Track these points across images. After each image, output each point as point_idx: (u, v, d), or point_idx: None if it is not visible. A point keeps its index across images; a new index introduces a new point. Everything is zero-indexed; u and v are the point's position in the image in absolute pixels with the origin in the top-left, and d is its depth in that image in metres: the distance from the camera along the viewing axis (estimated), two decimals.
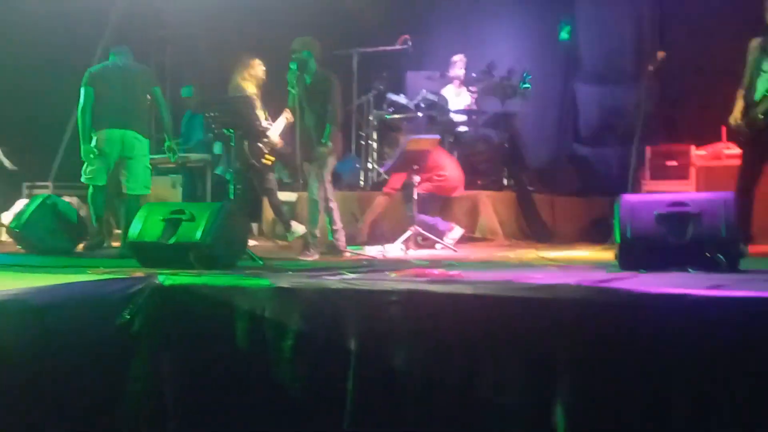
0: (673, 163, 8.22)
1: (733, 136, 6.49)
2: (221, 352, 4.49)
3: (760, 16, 6.39)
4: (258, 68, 7.97)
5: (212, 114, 6.97)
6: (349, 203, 8.71)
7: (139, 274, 4.83)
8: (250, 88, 7.86)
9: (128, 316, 4.60)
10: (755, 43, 6.31)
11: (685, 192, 7.37)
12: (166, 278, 4.68)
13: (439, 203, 8.38)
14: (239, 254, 5.84)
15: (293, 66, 6.86)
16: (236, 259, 5.76)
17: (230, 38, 11.81)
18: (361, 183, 9.60)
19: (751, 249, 6.22)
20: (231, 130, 6.85)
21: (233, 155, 7.28)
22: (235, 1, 11.47)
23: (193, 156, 9.54)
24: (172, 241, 5.55)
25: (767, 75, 6.20)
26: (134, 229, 5.76)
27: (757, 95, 6.22)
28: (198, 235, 5.48)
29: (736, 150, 7.04)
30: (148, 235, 5.67)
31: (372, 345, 4.17)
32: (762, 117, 6.19)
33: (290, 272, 5.25)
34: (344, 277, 4.78)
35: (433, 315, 4.07)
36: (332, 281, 4.54)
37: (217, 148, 9.35)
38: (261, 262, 5.91)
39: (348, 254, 6.92)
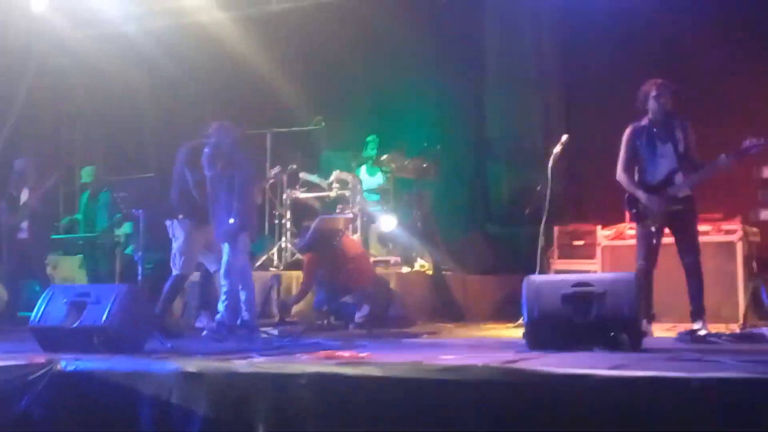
0: (580, 242, 8.43)
1: (638, 217, 6.69)
2: None
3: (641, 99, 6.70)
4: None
5: (121, 194, 6.89)
6: (263, 281, 8.63)
7: (39, 359, 4.66)
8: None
9: (27, 405, 4.45)
10: (635, 129, 6.58)
11: (589, 272, 7.56)
12: (68, 363, 4.56)
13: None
14: (146, 337, 5.71)
15: (208, 150, 6.86)
16: (143, 342, 5.62)
17: (143, 116, 11.83)
18: (275, 261, 9.54)
19: (654, 327, 6.41)
20: (140, 210, 6.76)
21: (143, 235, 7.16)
22: (148, 78, 11.49)
23: (100, 236, 9.40)
24: (75, 324, 5.40)
25: (663, 159, 6.48)
26: (36, 312, 5.59)
27: (657, 178, 6.46)
28: (103, 317, 5.35)
29: None
30: (51, 318, 5.51)
31: (280, 429, 4.11)
32: (671, 197, 6.40)
33: (199, 356, 5.15)
34: (253, 360, 4.71)
35: (343, 398, 4.05)
36: (241, 365, 4.48)
37: (127, 227, 9.21)
38: (168, 345, 5.78)
39: (261, 334, 6.83)
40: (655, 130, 6.48)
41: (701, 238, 6.59)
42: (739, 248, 7.27)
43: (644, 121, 6.55)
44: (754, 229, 7.46)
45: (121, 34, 10.98)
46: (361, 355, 4.97)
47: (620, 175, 6.59)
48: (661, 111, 6.42)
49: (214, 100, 10.62)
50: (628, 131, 6.61)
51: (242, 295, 6.89)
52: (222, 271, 6.86)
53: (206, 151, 6.87)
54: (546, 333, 5.10)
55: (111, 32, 11.01)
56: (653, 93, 6.41)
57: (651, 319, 6.35)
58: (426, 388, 3.91)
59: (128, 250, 9.22)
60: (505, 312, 8.48)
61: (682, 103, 6.55)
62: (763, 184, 6.72)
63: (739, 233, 7.27)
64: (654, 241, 6.45)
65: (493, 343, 5.91)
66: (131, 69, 11.45)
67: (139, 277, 6.83)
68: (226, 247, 6.83)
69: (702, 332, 5.99)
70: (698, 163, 6.43)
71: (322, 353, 4.99)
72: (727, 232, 7.33)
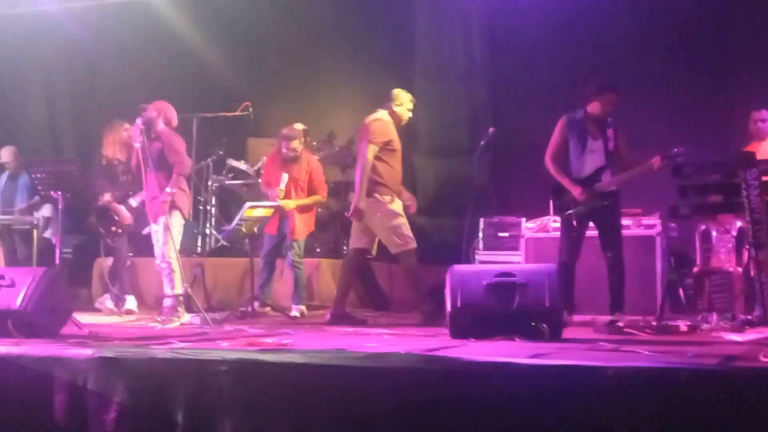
0: (505, 234, 8.52)
1: (560, 210, 6.81)
2: (38, 427, 4.25)
3: (586, 96, 6.81)
4: (122, 132, 7.92)
5: (39, 176, 6.72)
6: (189, 269, 8.51)
7: None
8: (112, 153, 7.97)
9: None
10: (569, 120, 6.68)
11: (513, 263, 7.65)
12: None
13: None
14: (63, 322, 5.57)
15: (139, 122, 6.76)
16: (59, 327, 5.49)
17: (63, 97, 11.54)
18: (198, 248, 9.42)
19: (574, 318, 6.52)
20: (59, 193, 6.59)
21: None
22: (69, 58, 11.22)
23: (18, 219, 9.13)
24: None
25: (593, 154, 6.63)
26: None
27: (585, 172, 6.61)
28: (18, 301, 5.21)
29: None
30: None
31: (200, 417, 4.05)
32: (597, 192, 6.53)
33: (117, 341, 5.06)
34: (173, 346, 4.64)
35: (263, 385, 4.01)
36: (160, 350, 4.41)
37: (46, 210, 8.97)
38: (86, 330, 5.65)
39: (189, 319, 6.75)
40: (588, 125, 6.60)
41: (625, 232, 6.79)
42: (658, 243, 7.45)
43: (579, 114, 6.66)
44: (672, 225, 7.63)
45: (40, 12, 10.66)
46: (284, 342, 4.94)
47: (548, 162, 6.72)
48: (601, 113, 6.58)
49: (138, 82, 10.41)
50: (562, 120, 6.73)
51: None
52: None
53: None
54: (469, 322, 5.15)
55: (29, 11, 10.68)
56: (601, 99, 6.54)
57: (571, 310, 6.48)
58: (348, 376, 3.90)
59: (47, 234, 8.99)
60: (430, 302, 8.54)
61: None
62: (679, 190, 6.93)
63: (658, 228, 7.44)
64: (576, 234, 6.59)
65: (417, 332, 5.94)
66: (50, 48, 11.16)
67: (57, 261, 6.66)
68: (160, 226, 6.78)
69: (620, 323, 6.12)
70: (627, 163, 6.58)
71: (244, 340, 4.95)
72: (647, 226, 7.49)
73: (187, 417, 4.06)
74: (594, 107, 6.59)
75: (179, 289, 6.78)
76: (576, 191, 6.53)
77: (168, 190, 6.73)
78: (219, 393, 4.03)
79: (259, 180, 9.23)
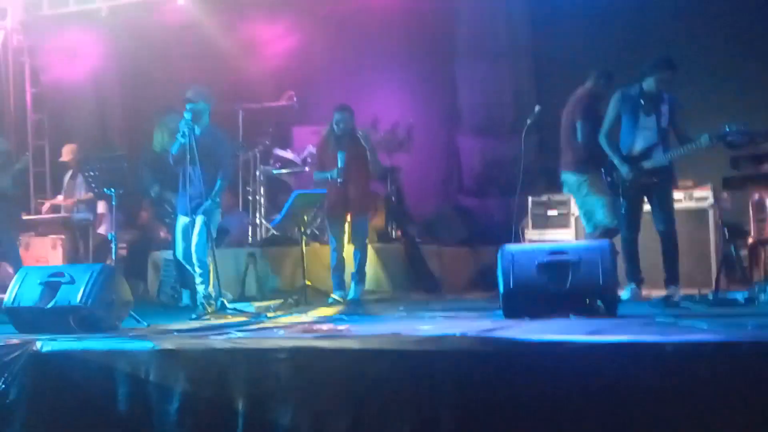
0: (554, 212, 8.48)
1: (611, 187, 6.77)
2: (103, 419, 4.35)
3: (632, 72, 6.75)
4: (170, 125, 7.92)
5: (92, 173, 6.81)
6: (241, 259, 8.60)
7: (14, 341, 4.63)
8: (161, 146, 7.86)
9: (3, 386, 4.42)
10: (624, 95, 6.61)
11: (564, 241, 7.60)
12: (44, 344, 4.53)
13: None
14: (122, 316, 5.67)
15: (188, 115, 6.61)
16: (119, 321, 5.59)
17: (112, 95, 11.71)
18: (249, 239, 9.51)
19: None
20: (112, 190, 6.68)
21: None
22: (116, 56, 11.37)
23: (76, 216, 9.32)
24: (50, 304, 5.35)
25: (645, 131, 6.57)
26: (10, 293, 5.54)
27: (637, 148, 6.57)
28: (78, 297, 5.31)
29: None
30: (25, 299, 5.46)
31: (259, 404, 4.12)
32: (647, 169, 6.48)
33: (175, 333, 5.14)
34: (231, 336, 4.70)
35: (320, 371, 4.06)
36: (218, 341, 4.48)
37: (100, 207, 9.13)
38: (145, 324, 5.75)
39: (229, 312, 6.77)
40: (642, 101, 6.53)
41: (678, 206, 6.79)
42: (711, 215, 7.35)
43: (635, 90, 6.59)
44: (725, 195, 7.52)
45: (88, 11, 10.82)
46: (339, 327, 4.98)
47: (601, 138, 6.69)
48: (656, 89, 6.48)
49: (182, 77, 10.51)
50: (616, 95, 6.67)
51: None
52: (198, 247, 6.75)
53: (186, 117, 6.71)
54: (522, 302, 5.13)
55: (77, 10, 10.85)
56: (657, 74, 6.44)
57: (640, 282, 6.49)
58: (404, 360, 3.93)
59: (101, 230, 9.15)
60: (481, 283, 8.53)
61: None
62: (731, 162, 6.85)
63: (711, 200, 7.34)
64: (631, 210, 6.53)
65: (470, 314, 5.93)
66: (99, 46, 11.30)
67: (113, 256, 6.77)
68: (201, 221, 6.73)
69: (675, 298, 6.07)
70: (681, 138, 6.49)
71: (300, 327, 5.00)
72: (699, 199, 7.40)
73: (247, 405, 4.13)
74: (649, 83, 6.50)
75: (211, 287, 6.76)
76: (624, 169, 6.48)
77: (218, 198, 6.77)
78: (277, 381, 4.09)
79: (306, 169, 9.30)
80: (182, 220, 6.80)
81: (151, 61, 10.88)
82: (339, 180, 7.45)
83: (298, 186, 9.25)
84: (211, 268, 6.61)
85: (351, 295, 7.53)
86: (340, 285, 7.59)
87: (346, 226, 7.85)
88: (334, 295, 7.43)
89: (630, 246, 6.55)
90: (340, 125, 7.64)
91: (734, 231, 7.22)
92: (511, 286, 5.14)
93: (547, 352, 3.72)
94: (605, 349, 3.65)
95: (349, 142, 7.62)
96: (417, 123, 9.68)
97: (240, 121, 9.71)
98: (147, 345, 4.41)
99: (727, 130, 6.22)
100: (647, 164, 6.48)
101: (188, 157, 6.43)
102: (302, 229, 7.68)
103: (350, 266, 7.76)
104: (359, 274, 7.70)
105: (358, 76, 10.73)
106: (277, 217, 8.28)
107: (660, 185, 6.51)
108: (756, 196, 7.01)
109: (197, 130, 6.59)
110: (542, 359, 3.71)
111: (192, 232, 6.65)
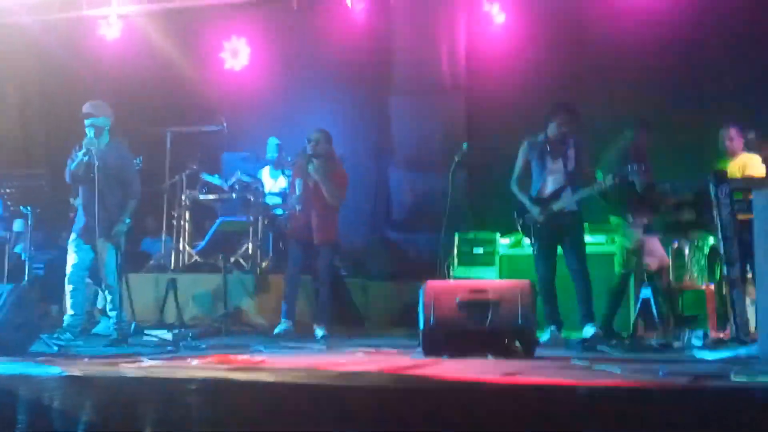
0: (480, 250, 8.54)
1: (523, 230, 6.97)
2: None
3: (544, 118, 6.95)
4: None
5: (7, 191, 6.61)
6: (161, 284, 8.42)
7: None
8: None
9: None
10: (530, 144, 6.89)
11: (485, 279, 7.65)
12: None
13: None
14: (31, 339, 5.49)
15: (90, 131, 6.42)
16: (28, 344, 5.40)
17: (34, 111, 11.45)
18: (171, 264, 9.34)
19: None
20: (28, 208, 6.48)
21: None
22: (40, 70, 11.14)
23: None
24: None
25: (554, 175, 6.82)
26: None
27: (546, 192, 6.81)
28: None
29: None
30: None
31: None
32: (556, 211, 6.72)
33: (86, 359, 4.98)
34: (142, 364, 4.58)
35: (233, 404, 3.97)
36: (129, 368, 4.36)
37: (18, 225, 8.86)
38: (55, 349, 5.57)
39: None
40: (548, 147, 6.86)
41: (592, 249, 7.11)
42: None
43: (541, 137, 6.92)
44: (643, 240, 7.65)
45: (15, 24, 10.58)
46: (256, 360, 4.89)
47: (512, 185, 7.02)
48: (559, 134, 6.80)
49: (110, 96, 10.33)
50: (523, 145, 7.00)
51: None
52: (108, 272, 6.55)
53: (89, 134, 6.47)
54: (442, 339, 5.13)
55: (3, 22, 10.60)
56: (556, 120, 6.79)
57: (560, 326, 6.58)
58: (320, 395, 3.86)
59: (17, 249, 8.87)
60: (405, 318, 8.51)
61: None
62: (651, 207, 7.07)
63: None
64: (545, 252, 6.72)
65: (391, 350, 5.90)
66: (25, 61, 11.06)
67: (26, 277, 6.57)
68: (111, 248, 6.53)
69: (593, 340, 6.15)
70: (588, 179, 6.70)
71: (215, 358, 4.90)
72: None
73: None
74: (552, 129, 6.83)
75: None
76: (535, 211, 6.77)
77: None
78: (188, 412, 3.98)
79: (234, 195, 9.19)
80: (84, 242, 6.56)
81: (77, 77, 10.68)
82: (298, 207, 7.36)
83: (224, 212, 9.15)
84: (123, 293, 6.45)
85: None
86: (289, 314, 7.37)
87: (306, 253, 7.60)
88: (280, 327, 7.25)
89: (547, 287, 6.68)
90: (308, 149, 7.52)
91: (653, 277, 7.35)
92: (431, 323, 5.13)
93: (461, 392, 3.71)
94: (520, 391, 3.65)
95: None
96: (347, 154, 9.67)
97: (167, 144, 9.56)
98: (54, 371, 4.26)
99: (628, 169, 6.43)
100: (556, 206, 6.76)
101: (93, 176, 6.22)
102: (226, 257, 7.58)
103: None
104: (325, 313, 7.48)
105: (289, 105, 10.70)
106: (201, 243, 8.16)
107: (570, 226, 6.78)
108: (675, 243, 7.18)
109: (100, 147, 6.42)
110: (457, 399, 3.69)
111: (95, 256, 6.47)
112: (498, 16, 10.11)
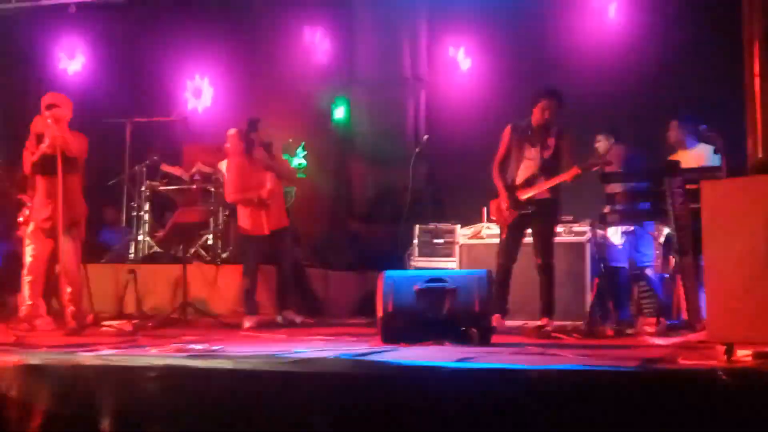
0: (440, 241, 8.61)
1: (493, 217, 6.94)
2: None
3: (519, 106, 6.94)
4: None
5: None
6: (121, 275, 8.39)
7: None
8: None
9: None
10: (513, 127, 6.77)
11: (443, 268, 7.72)
12: None
13: None
14: None
15: (51, 122, 6.36)
16: None
17: None
18: (131, 255, 9.30)
19: (508, 322, 6.61)
20: None
21: None
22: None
23: None
24: None
25: (528, 162, 6.69)
26: None
27: (519, 180, 6.71)
28: None
29: (496, 230, 7.48)
30: None
31: (126, 424, 4.01)
32: (524, 200, 6.66)
33: (44, 348, 4.96)
34: (101, 353, 4.58)
35: (192, 391, 3.99)
36: (87, 357, 4.35)
37: None
38: (13, 338, 5.53)
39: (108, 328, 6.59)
40: (530, 132, 6.67)
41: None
42: (588, 249, 7.59)
43: (525, 122, 6.72)
44: (602, 232, 7.78)
45: None
46: (214, 348, 4.91)
47: (493, 167, 6.79)
48: (542, 120, 6.59)
49: (71, 85, 10.27)
50: (507, 128, 6.78)
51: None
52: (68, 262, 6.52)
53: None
54: (399, 326, 5.18)
55: None
56: (540, 103, 6.57)
57: (505, 314, 6.57)
58: (277, 381, 3.90)
59: None
60: (365, 308, 8.57)
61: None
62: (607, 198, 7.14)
63: (588, 235, 7.58)
64: (511, 239, 6.66)
65: (350, 338, 5.95)
66: None
67: None
68: (70, 236, 6.51)
69: (548, 328, 6.23)
70: (558, 170, 6.65)
71: (173, 346, 4.91)
72: (577, 233, 7.63)
73: (113, 424, 4.01)
74: (535, 114, 6.64)
75: None
76: (503, 198, 6.64)
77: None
78: (147, 400, 4.00)
79: (194, 186, 9.17)
80: (44, 233, 6.55)
81: (33, 66, 10.59)
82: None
83: (184, 203, 9.13)
84: (83, 283, 6.43)
85: None
86: (252, 309, 7.40)
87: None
88: (246, 323, 7.23)
89: (500, 277, 6.54)
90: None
91: (610, 266, 7.47)
92: (390, 311, 5.19)
93: (417, 377, 3.76)
94: (473, 375, 3.72)
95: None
96: (309, 146, 9.71)
97: (127, 134, 9.50)
98: (11, 359, 4.24)
99: (591, 162, 6.51)
100: (524, 195, 6.64)
101: (54, 166, 6.21)
102: (185, 247, 7.58)
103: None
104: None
105: (252, 97, 10.68)
106: (160, 233, 8.15)
107: (540, 216, 6.62)
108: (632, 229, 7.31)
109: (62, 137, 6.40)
110: (413, 383, 3.75)
111: (54, 247, 6.45)
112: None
